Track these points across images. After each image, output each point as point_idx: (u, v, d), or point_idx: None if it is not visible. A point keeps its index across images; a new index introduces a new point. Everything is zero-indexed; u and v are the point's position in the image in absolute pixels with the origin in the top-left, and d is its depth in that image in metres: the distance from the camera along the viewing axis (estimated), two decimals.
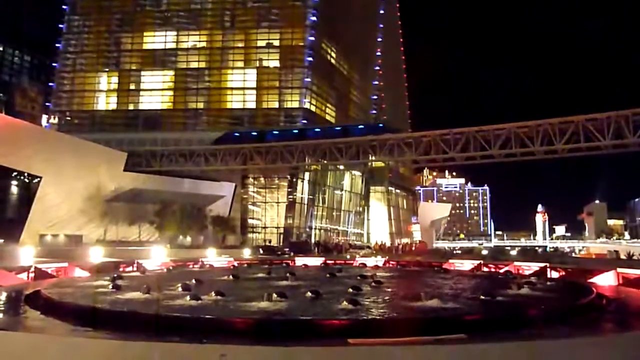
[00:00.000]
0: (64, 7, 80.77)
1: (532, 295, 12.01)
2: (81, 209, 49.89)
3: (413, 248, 64.93)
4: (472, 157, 50.80)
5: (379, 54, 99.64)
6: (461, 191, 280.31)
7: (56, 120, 77.89)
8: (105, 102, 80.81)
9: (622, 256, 45.19)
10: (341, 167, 71.17)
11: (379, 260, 28.47)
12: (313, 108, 77.37)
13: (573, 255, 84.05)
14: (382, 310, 9.69)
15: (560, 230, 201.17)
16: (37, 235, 45.73)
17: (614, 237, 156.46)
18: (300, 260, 28.08)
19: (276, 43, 77.64)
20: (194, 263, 25.61)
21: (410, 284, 15.85)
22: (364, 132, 60.81)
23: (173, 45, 79.47)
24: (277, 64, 77.32)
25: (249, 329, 8.12)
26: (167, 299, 10.74)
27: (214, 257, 30.69)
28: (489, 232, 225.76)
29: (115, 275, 15.54)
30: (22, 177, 49.13)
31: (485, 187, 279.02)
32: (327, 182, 79.52)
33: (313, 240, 68.79)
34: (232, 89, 77.99)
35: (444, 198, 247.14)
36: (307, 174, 73.77)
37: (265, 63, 77.65)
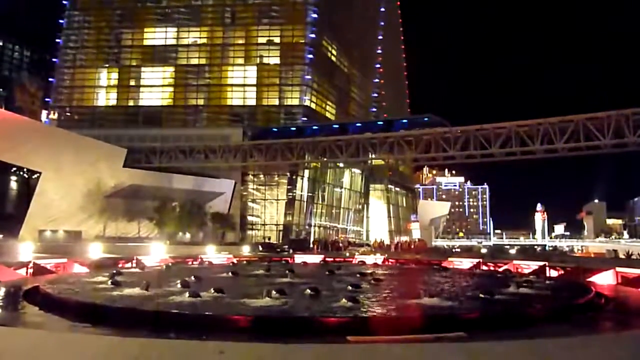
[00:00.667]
0: (64, 2, 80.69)
1: (531, 294, 12.01)
2: (80, 204, 49.91)
3: (412, 246, 65.00)
4: (472, 155, 50.77)
5: (379, 51, 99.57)
6: (461, 190, 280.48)
7: (56, 116, 77.92)
8: (105, 98, 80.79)
9: (621, 255, 45.18)
10: (341, 164, 71.10)
11: (378, 258, 28.48)
12: (313, 105, 77.37)
13: (572, 254, 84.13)
14: (381, 308, 9.68)
15: (559, 229, 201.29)
16: (36, 231, 45.71)
17: (613, 237, 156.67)
18: (299, 258, 28.09)
19: (277, 40, 77.58)
20: (193, 260, 25.61)
21: (409, 281, 15.85)
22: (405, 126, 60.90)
23: (173, 42, 79.44)
24: (277, 61, 77.26)
25: (248, 325, 8.11)
26: (166, 295, 10.73)
27: (213, 254, 30.70)
28: (488, 231, 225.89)
29: (114, 271, 15.54)
30: (21, 173, 49.10)
31: (485, 185, 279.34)
32: (326, 180, 79.56)
33: (312, 238, 68.83)
34: (232, 85, 77.96)
35: (444, 196, 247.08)
36: (306, 172, 73.78)
37: (265, 60, 77.61)
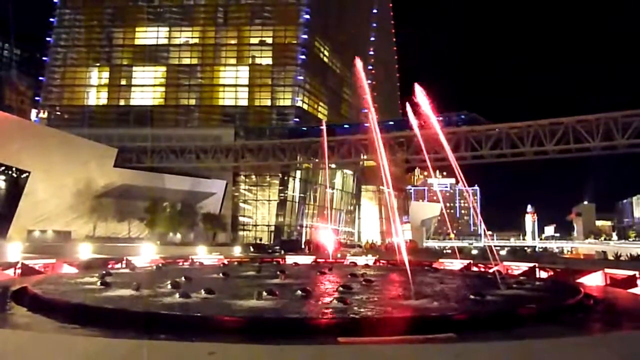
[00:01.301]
0: (55, 0, 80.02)
1: (521, 294, 12.07)
2: (70, 204, 49.55)
3: None
4: (464, 157, 51.06)
5: (372, 52, 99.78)
6: (452, 191, 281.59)
7: (46, 115, 77.27)
8: (96, 97, 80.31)
9: (610, 257, 45.61)
10: (333, 165, 71.15)
11: (370, 259, 28.48)
12: (305, 106, 77.40)
13: (562, 255, 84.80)
14: (372, 309, 9.69)
15: (549, 230, 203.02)
16: (25, 231, 45.33)
17: (602, 238, 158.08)
18: (290, 259, 28.03)
19: (269, 41, 77.55)
20: (183, 260, 25.46)
21: (400, 283, 15.87)
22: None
23: (165, 41, 79.16)
24: (269, 61, 77.21)
25: (238, 326, 8.08)
26: (156, 296, 10.66)
27: (204, 255, 30.57)
28: (479, 232, 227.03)
29: (103, 272, 15.41)
30: (10, 172, 48.63)
31: (476, 187, 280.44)
32: (318, 181, 79.60)
33: (304, 239, 68.82)
34: (224, 85, 77.81)
35: (435, 198, 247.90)
36: (298, 172, 73.76)
37: (258, 60, 77.54)
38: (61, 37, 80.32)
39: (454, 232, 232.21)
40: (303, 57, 76.19)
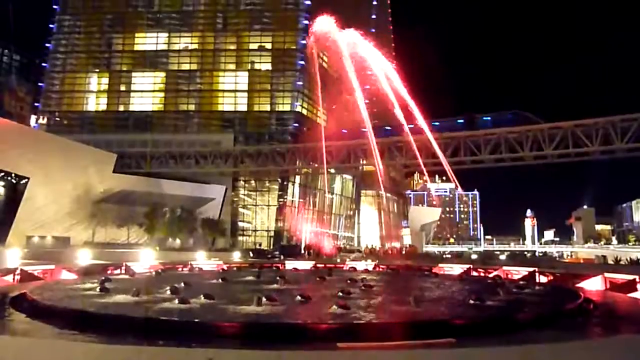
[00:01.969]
0: (54, 6, 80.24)
1: (521, 299, 12.07)
2: (69, 210, 49.45)
3: (403, 252, 64.99)
4: (462, 161, 51.13)
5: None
6: (451, 195, 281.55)
7: (45, 121, 77.32)
8: (95, 103, 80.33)
9: (610, 261, 45.56)
10: (332, 170, 71.13)
11: (369, 264, 28.45)
12: (305, 112, 77.41)
13: (561, 260, 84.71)
14: (371, 314, 9.67)
15: (549, 235, 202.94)
16: (24, 237, 45.18)
17: (602, 242, 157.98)
18: (290, 264, 28.02)
19: (268, 46, 77.68)
20: (183, 266, 25.43)
21: (400, 288, 15.87)
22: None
23: (164, 47, 79.26)
24: (269, 67, 77.32)
25: (237, 332, 8.07)
26: (155, 302, 10.65)
27: (203, 260, 30.51)
28: (479, 237, 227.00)
29: (103, 278, 15.39)
30: (9, 178, 48.55)
31: (475, 191, 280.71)
32: (317, 186, 79.56)
33: (303, 244, 68.72)
34: (223, 91, 77.86)
35: (434, 202, 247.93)
36: (297, 177, 73.73)
37: (257, 66, 77.66)
38: (61, 43, 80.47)
39: (454, 236, 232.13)
40: (302, 62, 76.33)
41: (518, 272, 20.65)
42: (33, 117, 76.63)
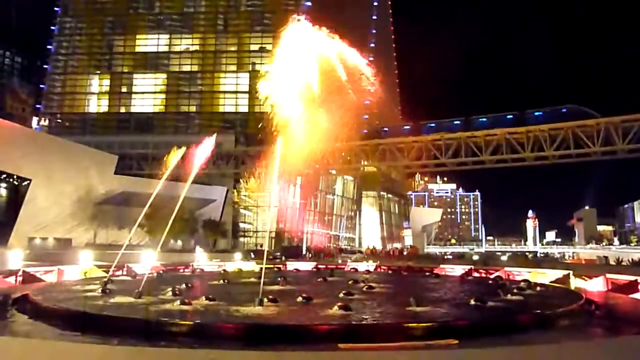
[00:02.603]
0: (56, 8, 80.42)
1: (523, 300, 12.05)
2: (71, 212, 49.51)
3: (404, 253, 65.00)
4: (464, 162, 51.10)
5: (371, 58, 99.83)
6: (452, 196, 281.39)
7: (47, 123, 77.47)
8: (97, 105, 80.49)
9: (612, 262, 45.51)
10: (333, 171, 71.16)
11: (371, 265, 28.43)
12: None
13: (563, 261, 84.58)
14: (373, 315, 9.67)
15: (550, 235, 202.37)
16: (26, 239, 45.27)
17: (604, 243, 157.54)
18: (291, 265, 28.01)
19: (269, 47, 77.70)
20: (184, 267, 25.45)
21: (401, 289, 15.86)
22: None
23: (166, 49, 79.42)
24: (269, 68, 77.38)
25: (239, 333, 8.07)
26: (157, 303, 10.65)
27: (204, 262, 30.53)
28: (480, 238, 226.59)
29: (104, 279, 15.39)
30: (11, 180, 48.67)
31: (477, 192, 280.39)
32: (319, 187, 79.58)
33: (305, 245, 68.75)
34: (224, 92, 77.97)
35: (436, 203, 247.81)
36: (299, 179, 73.72)
37: (258, 67, 77.72)
38: (62, 45, 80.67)
39: (455, 237, 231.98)
40: None
41: (519, 273, 20.63)
42: (35, 119, 76.77)
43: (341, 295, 11.98)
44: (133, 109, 78.59)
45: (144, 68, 79.62)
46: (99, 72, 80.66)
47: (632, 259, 43.46)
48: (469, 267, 24.25)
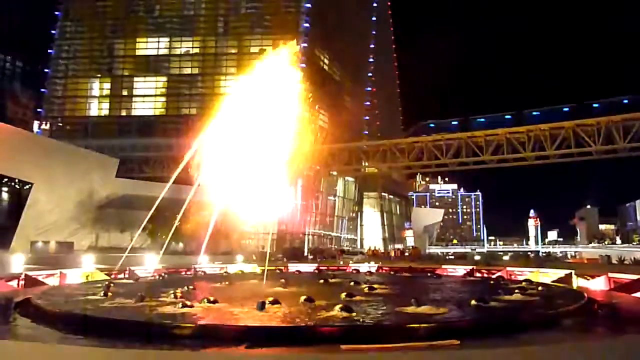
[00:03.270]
0: (56, 12, 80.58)
1: (525, 300, 12.04)
2: (73, 215, 49.56)
3: (406, 253, 64.97)
4: (465, 163, 51.09)
5: (371, 60, 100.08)
6: (454, 197, 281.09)
7: (48, 127, 77.61)
8: (98, 108, 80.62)
9: (614, 261, 45.43)
10: (334, 172, 71.12)
11: (372, 266, 28.42)
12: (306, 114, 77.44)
13: (565, 260, 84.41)
14: (375, 316, 9.68)
15: (552, 235, 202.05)
16: (28, 242, 45.31)
17: (606, 242, 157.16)
18: (293, 267, 28.02)
19: (269, 50, 77.81)
20: (186, 270, 25.48)
21: (403, 289, 15.85)
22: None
23: (166, 52, 79.55)
24: None
25: (241, 335, 8.08)
26: (159, 306, 10.67)
27: (206, 264, 30.53)
28: (482, 238, 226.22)
29: (107, 282, 15.42)
30: (13, 184, 48.75)
31: (478, 192, 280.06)
32: (320, 188, 79.54)
33: (307, 247, 68.74)
34: (225, 95, 77.97)
35: (437, 204, 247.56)
36: (300, 180, 73.74)
37: None
38: (63, 48, 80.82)
39: (457, 238, 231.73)
40: (303, 65, 76.41)
41: (522, 273, 20.61)
42: (36, 123, 76.99)
43: (343, 296, 11.98)
44: (134, 112, 78.70)
45: (144, 71, 79.75)
46: (99, 75, 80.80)
47: (635, 258, 43.38)
48: (470, 267, 24.23)
